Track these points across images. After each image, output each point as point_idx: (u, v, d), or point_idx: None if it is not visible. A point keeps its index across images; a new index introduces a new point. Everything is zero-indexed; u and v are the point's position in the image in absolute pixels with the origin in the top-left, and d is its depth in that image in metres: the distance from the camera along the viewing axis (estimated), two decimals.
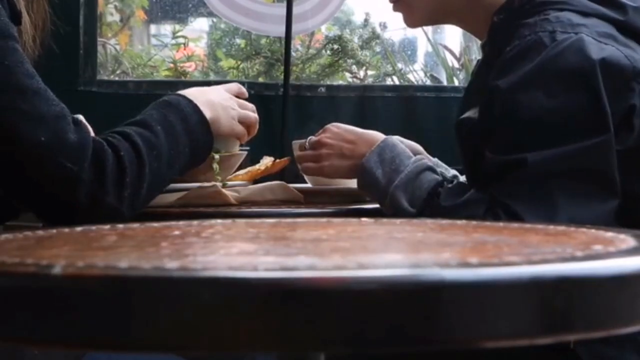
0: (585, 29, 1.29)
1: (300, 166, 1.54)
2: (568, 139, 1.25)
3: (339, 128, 1.48)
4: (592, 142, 1.25)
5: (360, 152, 1.40)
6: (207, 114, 1.36)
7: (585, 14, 1.32)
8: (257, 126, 1.50)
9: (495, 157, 1.28)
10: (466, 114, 1.39)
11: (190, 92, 1.38)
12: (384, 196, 1.35)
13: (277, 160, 1.60)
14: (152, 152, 1.23)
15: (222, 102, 1.41)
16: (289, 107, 2.29)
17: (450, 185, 1.33)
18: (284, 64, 2.40)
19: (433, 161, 1.45)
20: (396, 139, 1.43)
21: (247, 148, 1.86)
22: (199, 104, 1.35)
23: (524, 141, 1.26)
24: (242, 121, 1.46)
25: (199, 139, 1.33)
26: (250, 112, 1.49)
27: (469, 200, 1.28)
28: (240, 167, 1.72)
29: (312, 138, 1.50)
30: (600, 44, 1.28)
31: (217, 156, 1.45)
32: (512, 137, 1.28)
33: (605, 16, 1.34)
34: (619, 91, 1.27)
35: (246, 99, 1.49)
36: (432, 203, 1.31)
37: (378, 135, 1.43)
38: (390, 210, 1.35)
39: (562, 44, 1.27)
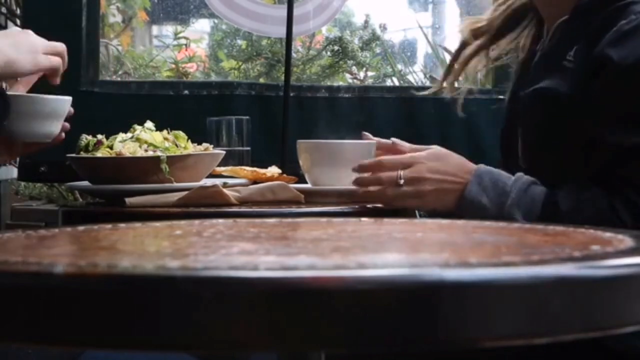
0: None
1: (396, 203, 1.44)
2: None
3: (436, 160, 1.42)
4: None
5: (461, 182, 1.38)
6: None
7: None
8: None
9: (614, 140, 1.27)
10: (542, 84, 1.38)
11: None
12: (498, 219, 1.31)
13: (285, 176, 1.60)
14: None
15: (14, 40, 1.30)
16: (289, 108, 2.29)
17: (564, 190, 1.32)
18: (285, 65, 2.40)
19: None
20: (484, 166, 1.41)
21: (248, 148, 1.86)
22: None
23: None
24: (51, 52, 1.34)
25: None
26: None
27: (588, 195, 1.28)
28: (242, 164, 1.73)
29: (404, 173, 1.41)
30: None
31: (163, 156, 1.44)
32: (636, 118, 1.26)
33: None
34: None
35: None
36: (552, 212, 1.30)
37: (469, 163, 1.41)
38: None
39: None
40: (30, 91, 1.37)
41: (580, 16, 1.40)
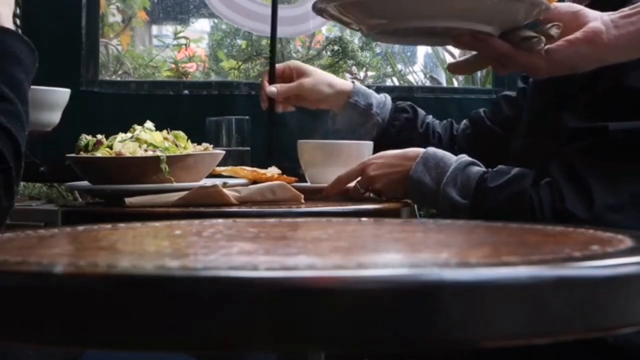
0: None
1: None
2: None
3: (379, 158, 1.51)
4: None
5: (405, 169, 1.46)
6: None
7: None
8: None
9: (575, 124, 1.30)
10: None
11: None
12: (436, 197, 1.40)
13: (284, 176, 1.60)
14: (17, 125, 1.13)
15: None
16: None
17: (496, 169, 1.38)
18: (269, 65, 2.40)
19: None
20: (433, 148, 1.48)
21: (247, 148, 1.86)
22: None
23: (610, 109, 1.28)
24: None
25: (31, 71, 1.22)
26: None
27: (515, 175, 1.33)
28: (242, 164, 1.73)
29: (359, 181, 1.53)
30: None
31: (163, 156, 1.44)
32: (598, 104, 1.30)
33: None
34: None
35: None
36: (481, 188, 1.36)
37: (414, 150, 1.48)
38: (443, 208, 1.40)
39: None
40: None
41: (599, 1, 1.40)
